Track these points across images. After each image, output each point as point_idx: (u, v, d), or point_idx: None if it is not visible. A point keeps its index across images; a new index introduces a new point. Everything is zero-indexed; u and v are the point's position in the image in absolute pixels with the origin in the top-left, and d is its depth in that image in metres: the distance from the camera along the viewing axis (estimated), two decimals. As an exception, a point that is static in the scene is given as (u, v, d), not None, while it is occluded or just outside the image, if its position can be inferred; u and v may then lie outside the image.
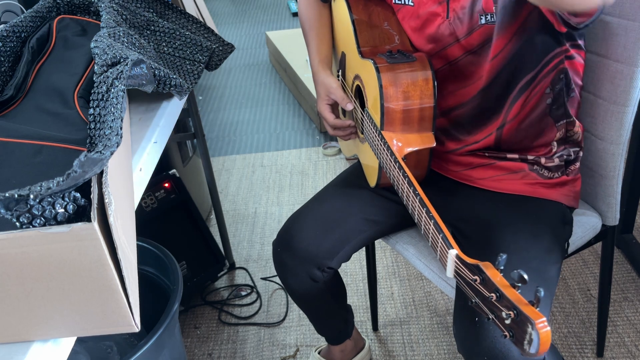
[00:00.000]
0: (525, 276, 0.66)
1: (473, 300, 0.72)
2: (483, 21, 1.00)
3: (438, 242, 0.82)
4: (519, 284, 0.66)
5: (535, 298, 0.64)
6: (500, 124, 1.08)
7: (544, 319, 0.62)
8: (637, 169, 1.67)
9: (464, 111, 1.11)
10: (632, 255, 1.80)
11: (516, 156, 1.11)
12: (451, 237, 0.80)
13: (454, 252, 0.77)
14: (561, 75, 1.05)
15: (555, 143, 1.10)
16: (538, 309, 0.64)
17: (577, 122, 1.10)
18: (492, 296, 0.68)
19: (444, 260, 0.80)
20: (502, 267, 0.69)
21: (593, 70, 1.13)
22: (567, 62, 1.04)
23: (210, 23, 3.66)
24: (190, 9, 3.38)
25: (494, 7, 0.98)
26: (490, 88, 1.06)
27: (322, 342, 1.58)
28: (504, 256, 0.69)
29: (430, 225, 0.85)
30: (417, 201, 0.90)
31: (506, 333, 0.66)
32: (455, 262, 0.77)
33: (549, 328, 0.62)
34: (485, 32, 1.01)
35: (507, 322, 0.66)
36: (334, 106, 1.23)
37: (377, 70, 1.03)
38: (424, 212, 0.87)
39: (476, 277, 0.71)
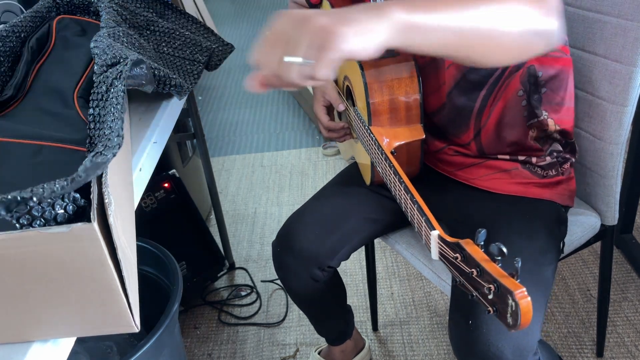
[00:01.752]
0: (504, 249, 0.65)
1: (457, 280, 0.72)
2: None
3: (422, 226, 0.82)
4: (499, 257, 0.66)
5: (514, 269, 0.64)
6: (474, 131, 1.09)
7: (524, 289, 0.61)
8: (637, 169, 1.67)
9: (441, 116, 1.11)
10: (631, 255, 1.80)
11: (507, 157, 1.11)
12: (434, 220, 0.80)
13: (435, 232, 0.77)
14: (528, 76, 1.03)
15: (541, 141, 1.09)
16: (518, 280, 0.64)
17: (549, 119, 1.07)
18: (473, 272, 0.68)
19: (428, 243, 0.80)
20: (481, 243, 0.69)
21: (592, 70, 1.13)
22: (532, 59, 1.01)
23: (210, 23, 3.66)
24: (190, 9, 3.38)
25: None
26: (455, 93, 1.07)
27: (322, 342, 1.58)
28: (483, 231, 0.69)
29: (414, 210, 0.85)
30: (402, 189, 0.90)
31: (490, 309, 0.66)
32: (438, 242, 0.77)
33: (529, 299, 0.61)
34: None
35: (490, 297, 0.65)
36: (330, 108, 1.23)
37: (361, 67, 1.05)
38: (408, 198, 0.88)
39: (457, 254, 0.71)
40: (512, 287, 0.62)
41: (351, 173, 1.27)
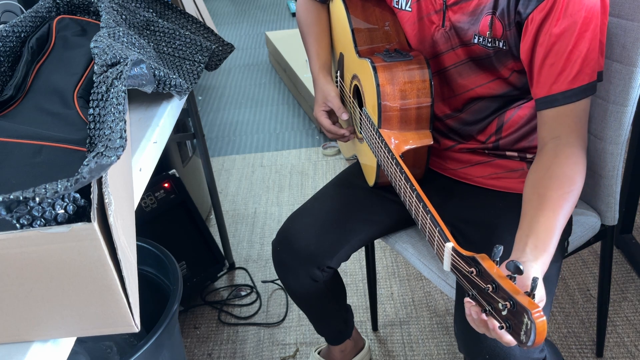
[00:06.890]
0: (521, 267, 0.66)
1: (470, 293, 0.73)
2: (475, 41, 1.01)
3: (435, 236, 0.83)
4: (515, 275, 0.67)
5: (531, 288, 0.65)
6: (495, 137, 1.09)
7: (540, 308, 0.62)
8: (637, 169, 1.67)
9: (457, 119, 1.11)
10: (631, 255, 1.80)
11: (515, 154, 1.11)
12: (447, 231, 0.81)
13: (450, 245, 0.78)
14: None
15: None
16: (534, 299, 0.64)
17: None
18: (489, 287, 0.68)
19: (440, 254, 0.80)
20: (497, 259, 0.70)
21: (592, 70, 1.13)
22: None
23: (210, 23, 3.66)
24: (190, 9, 3.38)
25: (487, 32, 0.99)
26: (481, 103, 1.07)
27: (322, 342, 1.58)
28: (500, 247, 0.69)
29: (427, 219, 0.85)
30: (414, 197, 0.90)
31: (503, 324, 0.66)
32: (452, 254, 0.77)
33: (544, 318, 0.62)
34: (476, 51, 1.02)
35: (504, 313, 0.66)
36: (331, 112, 1.23)
37: (374, 69, 1.04)
38: (420, 207, 0.88)
39: (472, 269, 0.71)
40: (529, 305, 0.62)
41: (352, 174, 1.27)
